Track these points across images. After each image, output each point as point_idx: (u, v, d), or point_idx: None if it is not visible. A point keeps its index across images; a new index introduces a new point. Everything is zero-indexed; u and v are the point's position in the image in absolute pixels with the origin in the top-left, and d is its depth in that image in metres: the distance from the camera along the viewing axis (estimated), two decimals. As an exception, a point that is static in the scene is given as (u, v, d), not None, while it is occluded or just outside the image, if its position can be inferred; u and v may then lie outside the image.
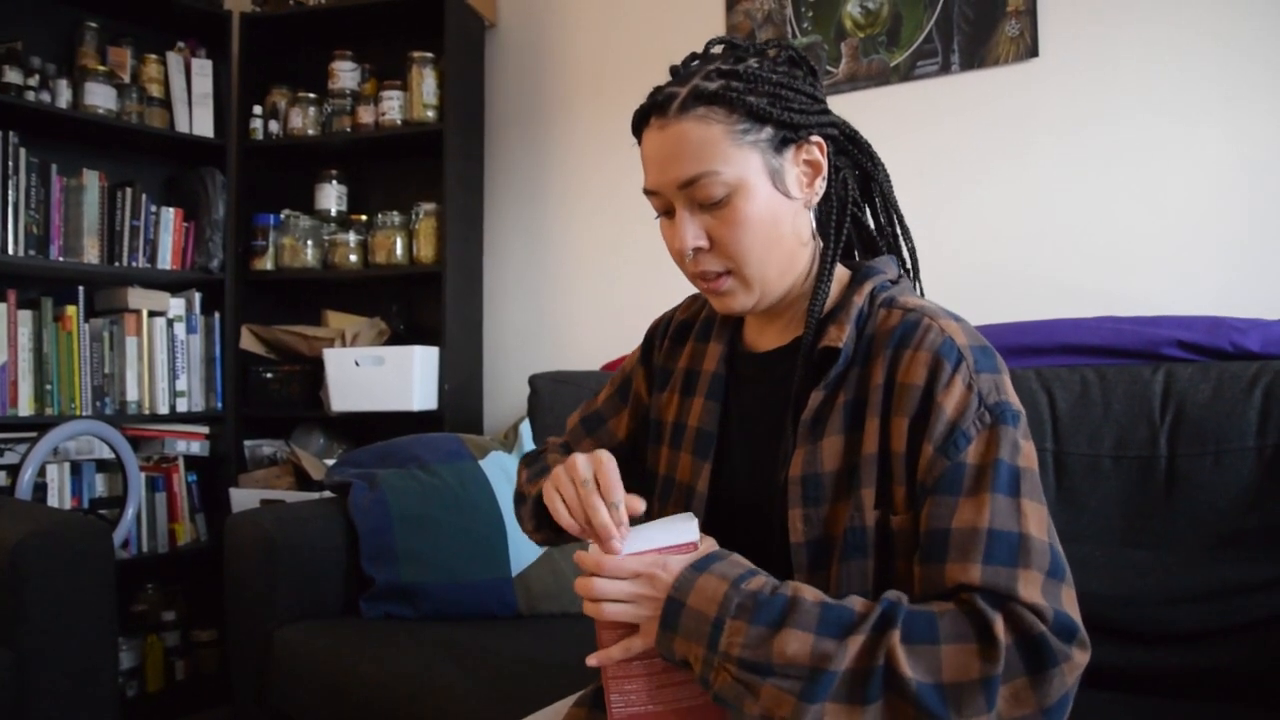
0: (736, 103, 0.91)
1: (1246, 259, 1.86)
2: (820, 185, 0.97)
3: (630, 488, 0.99)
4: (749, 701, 0.79)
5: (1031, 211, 2.06)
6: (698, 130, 0.91)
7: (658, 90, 0.95)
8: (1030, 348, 1.81)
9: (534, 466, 1.22)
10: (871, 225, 1.06)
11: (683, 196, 0.93)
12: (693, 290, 1.12)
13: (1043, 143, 2.05)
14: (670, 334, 1.17)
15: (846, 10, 2.26)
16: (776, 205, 0.94)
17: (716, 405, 1.05)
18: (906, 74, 2.19)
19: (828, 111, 0.98)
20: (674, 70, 0.99)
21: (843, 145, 1.02)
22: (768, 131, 0.92)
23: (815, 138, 0.96)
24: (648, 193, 0.97)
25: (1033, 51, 2.04)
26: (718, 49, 0.99)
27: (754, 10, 2.37)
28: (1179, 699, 1.43)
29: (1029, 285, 2.04)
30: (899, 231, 1.07)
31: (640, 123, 0.97)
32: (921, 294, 1.07)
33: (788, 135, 0.93)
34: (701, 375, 1.08)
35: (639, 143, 0.99)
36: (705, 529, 0.97)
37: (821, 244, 1.00)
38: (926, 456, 0.85)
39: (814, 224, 1.00)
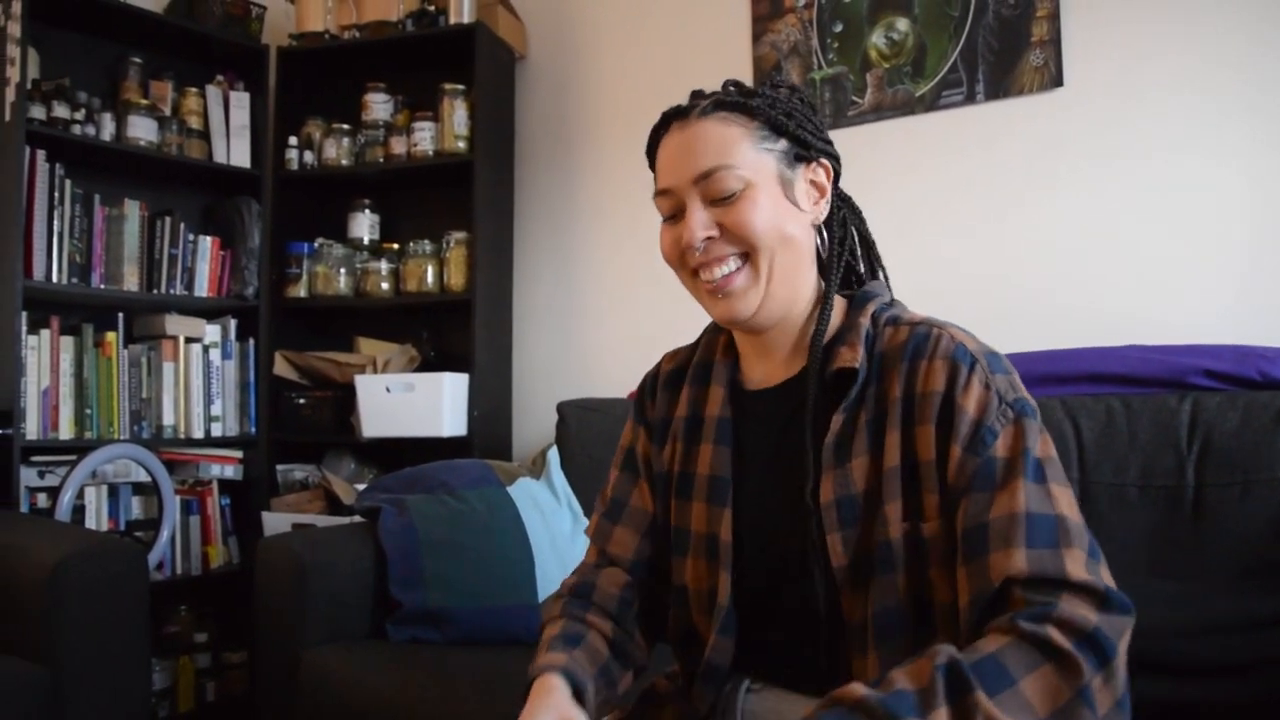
0: (757, 111, 0.96)
1: (1275, 288, 1.85)
2: (824, 207, 1.02)
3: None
4: None
5: (1057, 240, 2.06)
6: (719, 129, 0.95)
7: (676, 107, 1.00)
8: (1055, 376, 1.81)
9: (544, 628, 1.10)
10: (860, 267, 1.09)
11: (696, 190, 0.96)
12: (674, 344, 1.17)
13: (1068, 172, 2.05)
14: (661, 385, 1.16)
15: (871, 41, 2.29)
16: (785, 210, 0.97)
17: (727, 449, 1.04)
18: (931, 104, 2.21)
19: (833, 144, 1.04)
20: (691, 95, 1.03)
21: (837, 185, 1.06)
22: (783, 144, 0.97)
23: (824, 161, 1.01)
24: (659, 195, 1.00)
25: (1057, 81, 2.05)
26: (730, 87, 1.03)
27: (780, 42, 2.40)
28: (1208, 732, 1.42)
29: (1054, 314, 2.04)
30: (881, 271, 1.11)
31: (658, 135, 1.01)
32: None
33: (800, 152, 0.99)
34: (706, 421, 1.07)
35: (653, 157, 1.02)
36: (734, 576, 1.00)
37: (822, 282, 1.03)
38: (955, 459, 0.87)
39: (819, 244, 1.03)
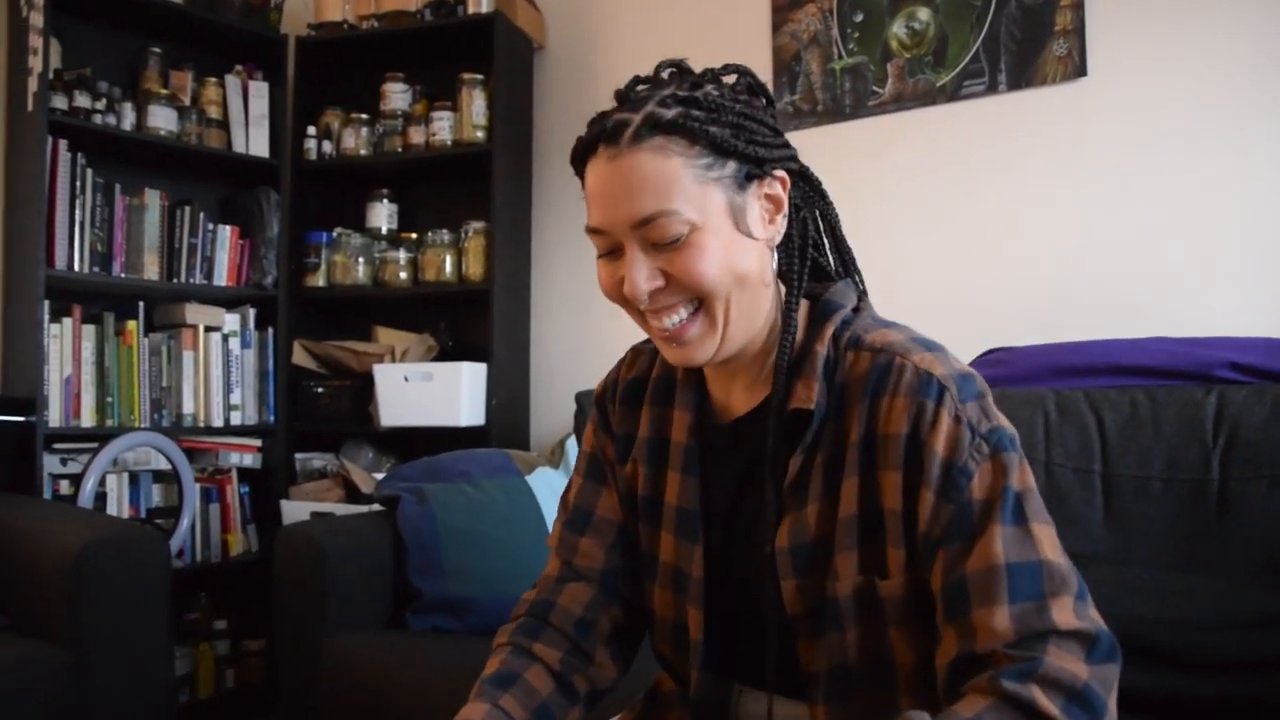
0: (698, 134, 0.82)
1: (1301, 280, 1.84)
2: (781, 223, 0.90)
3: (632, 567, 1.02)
4: None
5: (1081, 230, 2.05)
6: (654, 163, 0.82)
7: (603, 117, 0.86)
8: (1080, 368, 1.80)
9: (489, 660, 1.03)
10: (830, 265, 0.98)
11: (636, 236, 0.84)
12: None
13: (1091, 162, 2.04)
14: (620, 396, 1.06)
15: (892, 31, 2.27)
16: (738, 247, 0.85)
17: (695, 481, 0.96)
18: (953, 94, 2.19)
19: (788, 145, 0.91)
20: (620, 95, 0.89)
21: (796, 182, 0.93)
22: (731, 166, 0.84)
23: (779, 172, 0.88)
24: (591, 231, 0.88)
25: (1081, 71, 2.04)
26: (668, 73, 0.91)
27: (799, 32, 2.39)
28: (1231, 726, 1.41)
29: (1078, 305, 2.03)
30: (853, 272, 1.00)
31: (585, 154, 0.87)
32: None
33: (751, 170, 0.86)
34: (671, 446, 0.99)
35: (580, 176, 0.89)
36: (703, 610, 0.94)
37: (783, 287, 0.92)
38: (928, 505, 0.79)
39: (775, 265, 0.91)
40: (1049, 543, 0.78)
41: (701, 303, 0.86)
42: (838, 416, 0.87)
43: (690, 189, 0.82)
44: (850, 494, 0.84)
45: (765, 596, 0.89)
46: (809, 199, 0.95)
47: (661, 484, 0.99)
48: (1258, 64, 1.88)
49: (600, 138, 0.84)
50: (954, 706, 0.73)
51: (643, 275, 0.84)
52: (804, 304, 0.93)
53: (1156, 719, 1.44)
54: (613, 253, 0.88)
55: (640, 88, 0.89)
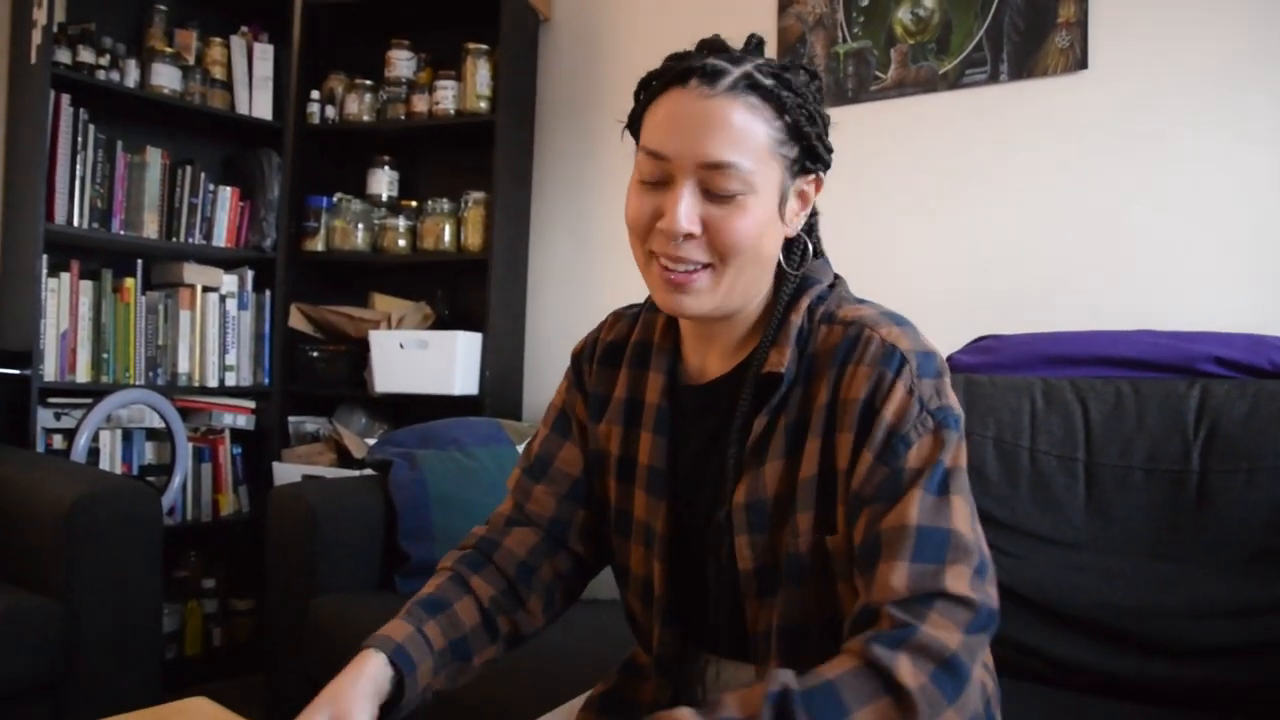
0: (787, 109, 0.86)
1: (1291, 279, 1.86)
2: (801, 220, 0.94)
3: (596, 526, 1.05)
4: None
5: (1075, 222, 2.06)
6: (744, 117, 0.85)
7: (693, 56, 0.88)
8: (1066, 358, 1.82)
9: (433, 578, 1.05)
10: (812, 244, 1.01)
11: (696, 175, 0.86)
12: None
13: (1089, 154, 2.05)
14: (598, 357, 1.09)
15: (897, 17, 2.28)
16: (770, 225, 0.89)
17: (664, 440, 0.99)
18: (955, 82, 2.20)
19: (832, 150, 0.94)
20: (713, 44, 0.91)
21: None
22: (796, 151, 0.88)
23: (821, 175, 0.93)
24: (650, 154, 0.88)
25: (1082, 63, 2.05)
26: (756, 44, 0.94)
27: (805, 14, 2.39)
28: (1201, 713, 1.43)
29: (1068, 296, 2.04)
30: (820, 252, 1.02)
31: (671, 81, 0.88)
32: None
33: (807, 163, 0.90)
34: (645, 407, 1.02)
35: (650, 98, 0.90)
36: (667, 564, 0.97)
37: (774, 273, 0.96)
38: (865, 464, 0.83)
39: (782, 254, 0.94)
40: (962, 516, 0.81)
41: (717, 262, 0.88)
42: (806, 383, 0.90)
43: (762, 154, 0.86)
44: (812, 455, 0.87)
45: (724, 554, 0.93)
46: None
47: (635, 443, 1.02)
48: (1260, 64, 1.89)
49: (697, 72, 0.86)
50: (822, 665, 0.75)
51: (687, 215, 0.86)
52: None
53: (1132, 703, 1.47)
54: (657, 184, 0.89)
55: (729, 50, 0.91)
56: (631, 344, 1.07)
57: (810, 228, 0.99)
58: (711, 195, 0.86)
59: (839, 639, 0.82)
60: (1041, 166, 2.11)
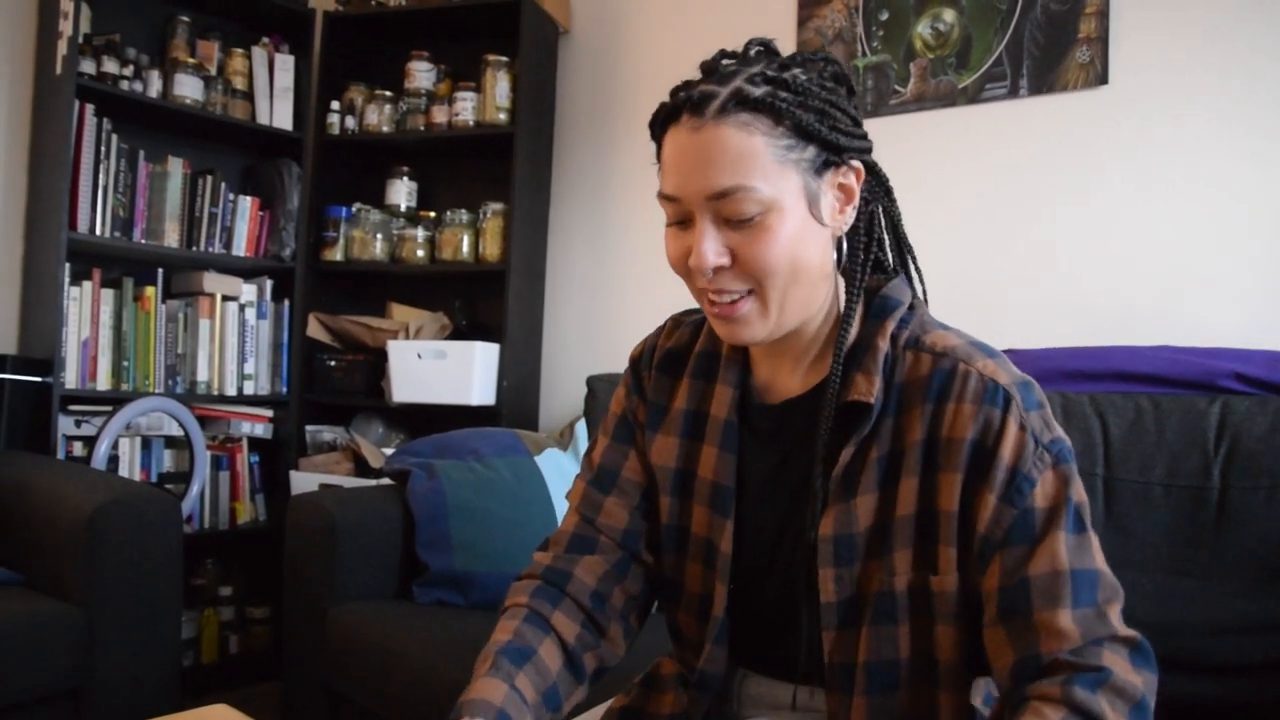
0: (784, 114, 0.83)
1: (1311, 295, 1.85)
2: (850, 214, 0.91)
3: (658, 537, 1.02)
4: None
5: (1095, 237, 2.07)
6: (737, 138, 0.82)
7: (688, 86, 0.87)
8: (1086, 373, 1.82)
9: (504, 611, 1.03)
10: (889, 261, 0.99)
11: (709, 209, 0.85)
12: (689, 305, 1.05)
13: (1109, 170, 2.05)
14: (657, 364, 1.06)
15: (917, 31, 2.28)
16: (807, 232, 0.86)
17: (732, 458, 0.97)
18: (974, 96, 2.21)
19: (866, 136, 0.92)
20: (707, 67, 0.89)
21: (867, 175, 0.93)
22: (811, 151, 0.85)
23: (855, 162, 0.89)
24: (664, 198, 0.88)
25: (1103, 79, 2.05)
26: (755, 51, 0.90)
27: (825, 28, 2.40)
28: (1220, 730, 1.44)
29: (1088, 311, 2.05)
30: (913, 267, 1.01)
31: (667, 120, 0.88)
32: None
33: (830, 157, 0.87)
34: (710, 421, 0.99)
35: (658, 142, 0.90)
36: (728, 586, 0.96)
37: (843, 280, 0.94)
38: (990, 507, 0.82)
39: (838, 256, 0.92)
40: (1099, 554, 0.82)
41: (755, 286, 0.87)
42: (896, 415, 0.88)
43: (769, 168, 0.83)
44: (909, 493, 0.85)
45: (797, 582, 0.92)
46: (876, 193, 0.96)
47: (695, 457, 1.00)
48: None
49: (685, 106, 0.85)
50: (1025, 716, 0.75)
51: (711, 250, 0.85)
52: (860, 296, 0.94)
53: (1148, 720, 1.47)
54: (682, 223, 0.88)
55: (726, 62, 0.89)
56: (696, 354, 1.04)
57: (879, 240, 0.96)
58: (731, 223, 0.85)
59: (932, 680, 0.84)
60: (1061, 182, 2.11)
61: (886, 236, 0.98)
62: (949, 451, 0.84)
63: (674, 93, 0.88)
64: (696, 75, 0.89)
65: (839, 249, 0.92)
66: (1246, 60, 1.93)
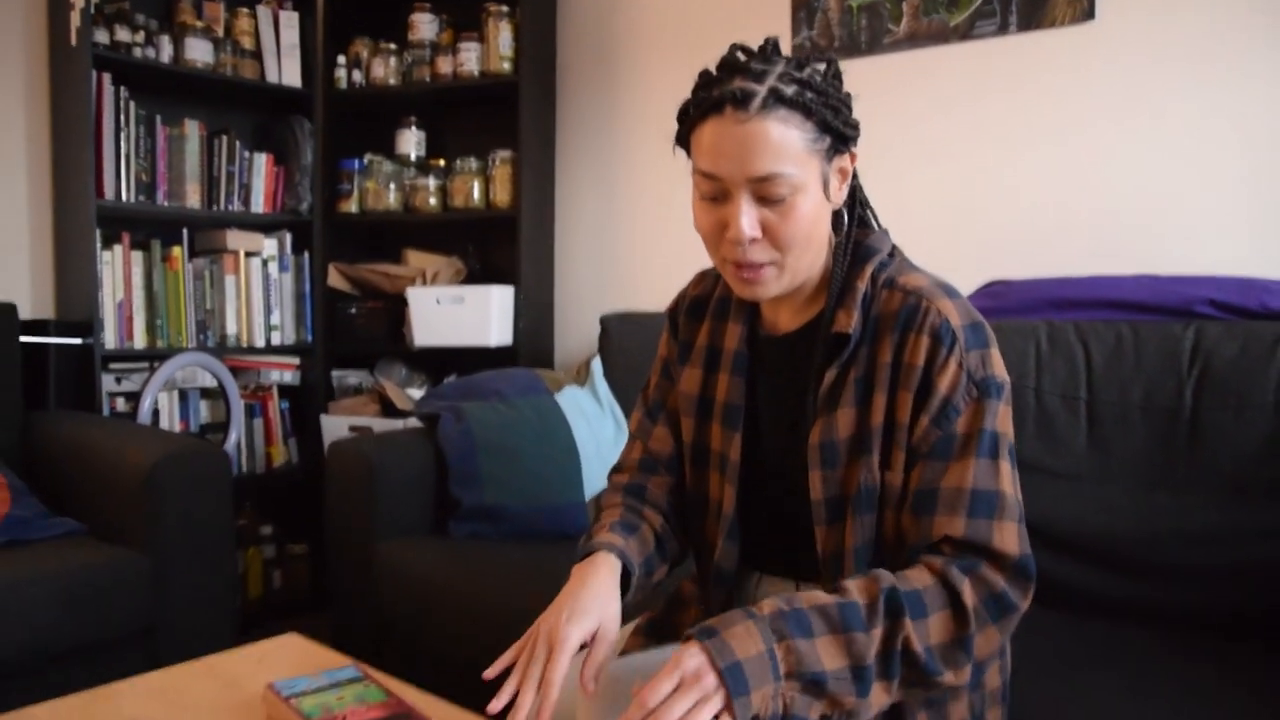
0: (813, 112, 0.98)
1: (1285, 219, 1.94)
2: (845, 190, 1.08)
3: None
4: (814, 709, 0.89)
5: (1082, 170, 2.15)
6: (778, 131, 0.97)
7: (721, 82, 1.00)
8: (1071, 301, 1.92)
9: (602, 513, 1.22)
10: (873, 221, 1.16)
11: (749, 188, 1.00)
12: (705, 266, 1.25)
13: (1096, 104, 2.12)
14: (686, 310, 1.27)
15: (908, -31, 2.34)
16: (820, 208, 1.03)
17: (742, 381, 1.16)
18: (965, 34, 2.27)
19: (858, 125, 1.07)
20: (732, 64, 1.02)
21: None
22: (827, 140, 1.01)
23: (854, 149, 1.07)
24: (703, 175, 1.02)
25: (1089, 14, 2.11)
26: (771, 50, 1.04)
27: (818, -33, 2.46)
28: (1191, 632, 1.58)
29: (1074, 241, 2.14)
30: (873, 216, 1.17)
31: (709, 111, 1.00)
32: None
33: (839, 146, 1.03)
34: (724, 353, 1.19)
35: (689, 127, 1.04)
36: (736, 488, 1.15)
37: (833, 237, 1.11)
38: (922, 427, 1.00)
39: (834, 225, 1.10)
40: (1008, 479, 1.00)
41: (779, 256, 1.03)
42: (872, 342, 1.05)
43: (800, 156, 0.99)
44: (880, 407, 1.03)
45: (795, 484, 1.09)
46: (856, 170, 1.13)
47: (714, 384, 1.20)
48: (1260, 12, 1.95)
49: (728, 100, 0.98)
50: (908, 573, 0.96)
51: (750, 224, 1.00)
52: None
53: (1129, 623, 1.62)
54: (715, 198, 1.03)
55: (740, 55, 1.03)
56: (715, 299, 1.24)
57: (854, 196, 1.12)
58: (765, 201, 1.00)
59: (881, 554, 1.04)
60: (1049, 116, 2.18)
61: (867, 201, 1.16)
62: (908, 374, 1.02)
63: (706, 85, 1.02)
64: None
65: (835, 218, 1.10)
66: (1225, -8, 1.98)
